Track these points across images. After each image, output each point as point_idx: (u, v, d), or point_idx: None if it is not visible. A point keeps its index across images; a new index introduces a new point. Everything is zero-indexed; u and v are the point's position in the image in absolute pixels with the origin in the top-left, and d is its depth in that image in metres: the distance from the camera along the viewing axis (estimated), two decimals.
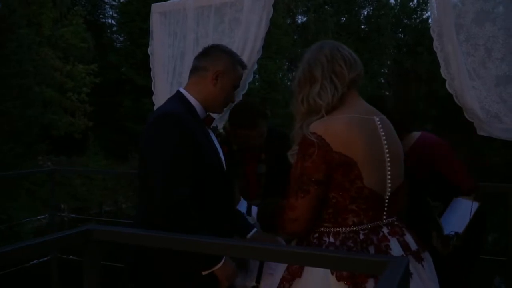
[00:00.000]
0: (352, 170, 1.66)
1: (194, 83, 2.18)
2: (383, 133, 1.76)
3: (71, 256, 4.08)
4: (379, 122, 1.78)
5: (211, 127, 2.31)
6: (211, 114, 2.25)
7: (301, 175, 1.67)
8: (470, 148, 23.14)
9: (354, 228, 1.71)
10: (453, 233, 2.39)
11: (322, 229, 1.75)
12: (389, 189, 1.76)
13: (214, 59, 2.16)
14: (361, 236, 1.70)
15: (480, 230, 2.61)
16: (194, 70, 2.21)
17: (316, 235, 1.75)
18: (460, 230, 2.43)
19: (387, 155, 1.75)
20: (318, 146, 1.64)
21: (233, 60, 2.19)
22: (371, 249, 1.68)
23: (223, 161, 2.18)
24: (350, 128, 1.69)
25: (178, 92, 2.19)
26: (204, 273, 1.95)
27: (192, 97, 2.14)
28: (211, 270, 1.94)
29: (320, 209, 1.72)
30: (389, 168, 1.75)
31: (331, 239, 1.71)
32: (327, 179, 1.67)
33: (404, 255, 1.71)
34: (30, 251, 1.30)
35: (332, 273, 1.62)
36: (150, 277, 2.03)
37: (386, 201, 1.76)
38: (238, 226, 2.30)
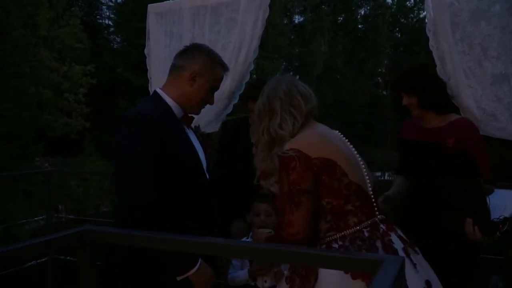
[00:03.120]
0: (335, 169, 1.76)
1: (171, 82, 2.14)
2: (348, 142, 1.94)
3: (68, 257, 4.07)
4: (340, 134, 1.96)
5: (194, 126, 2.28)
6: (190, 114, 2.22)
7: (290, 189, 1.73)
8: None
9: (358, 228, 1.77)
10: (501, 217, 2.21)
11: (328, 239, 1.79)
12: (370, 186, 1.87)
13: (192, 58, 2.12)
14: (366, 234, 1.75)
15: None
16: (172, 68, 2.17)
17: (324, 246, 1.79)
18: (507, 213, 2.26)
19: (357, 156, 1.92)
20: (298, 158, 1.73)
21: (212, 61, 2.15)
22: (379, 244, 1.73)
23: (202, 160, 2.14)
24: (321, 136, 1.86)
25: (155, 92, 2.15)
26: (178, 278, 1.91)
27: (168, 97, 2.10)
28: (186, 275, 1.90)
29: (315, 218, 1.77)
30: (363, 167, 1.90)
31: (340, 243, 1.75)
32: (314, 187, 1.74)
33: (404, 247, 1.77)
34: (27, 252, 1.30)
35: (347, 272, 1.63)
36: (126, 281, 2.02)
37: (372, 197, 1.86)
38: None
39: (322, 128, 1.93)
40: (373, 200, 1.86)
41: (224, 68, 2.21)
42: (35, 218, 7.62)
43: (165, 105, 2.09)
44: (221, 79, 2.21)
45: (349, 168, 1.78)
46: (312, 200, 1.74)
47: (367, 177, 1.88)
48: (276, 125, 1.89)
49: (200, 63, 2.10)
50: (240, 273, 2.41)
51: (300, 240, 1.73)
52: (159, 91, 2.14)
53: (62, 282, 4.17)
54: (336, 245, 1.75)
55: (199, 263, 1.91)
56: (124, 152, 1.93)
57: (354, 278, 1.62)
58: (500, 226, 2.18)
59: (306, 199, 1.72)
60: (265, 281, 2.35)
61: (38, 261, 4.17)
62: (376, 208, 1.86)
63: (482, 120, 2.59)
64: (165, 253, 1.83)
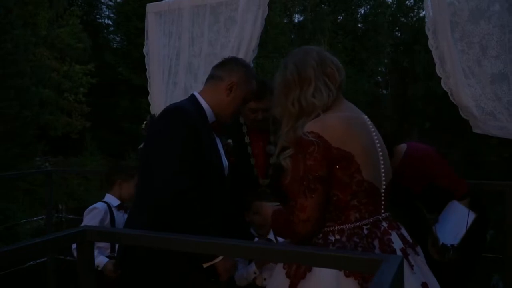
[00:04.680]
0: (351, 164, 1.69)
1: (209, 90, 2.25)
2: (372, 130, 1.83)
3: (68, 257, 4.07)
4: (368, 120, 1.85)
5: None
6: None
7: (305, 174, 1.67)
8: (468, 145, 23.17)
9: (357, 224, 1.72)
10: (449, 245, 2.42)
11: (326, 229, 1.75)
12: (384, 183, 1.80)
13: (231, 70, 2.23)
14: (365, 231, 1.71)
15: (478, 239, 2.64)
16: (210, 78, 2.28)
17: (320, 235, 1.75)
18: (456, 241, 2.46)
19: (379, 149, 1.81)
20: (317, 144, 1.67)
21: (249, 75, 2.26)
22: (376, 243, 1.70)
23: (225, 168, 2.22)
24: (346, 124, 1.74)
25: (192, 95, 2.26)
26: (205, 265, 1.98)
27: (204, 101, 2.20)
28: (213, 262, 1.98)
29: (325, 208, 1.72)
30: (382, 162, 1.80)
31: (337, 236, 1.72)
32: (329, 176, 1.69)
33: (404, 247, 1.74)
34: (26, 252, 1.30)
35: (340, 269, 1.62)
36: (149, 270, 2.04)
37: (382, 195, 1.79)
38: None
39: (350, 112, 1.82)
40: (383, 197, 1.80)
41: (257, 81, 2.33)
42: (35, 218, 7.61)
43: (201, 108, 2.19)
44: (254, 92, 2.32)
45: (366, 164, 1.71)
46: (326, 189, 1.68)
47: (383, 174, 1.80)
48: (310, 94, 1.79)
49: (238, 75, 2.22)
50: (249, 268, 2.38)
51: (309, 227, 1.69)
52: (196, 94, 2.24)
53: (61, 282, 4.17)
54: (332, 238, 1.72)
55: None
56: (164, 140, 2.00)
57: (347, 275, 1.61)
58: (450, 252, 2.38)
59: (321, 187, 1.66)
60: (265, 279, 2.35)
61: (38, 261, 4.16)
62: (383, 206, 1.81)
63: (481, 119, 2.59)
64: (200, 220, 1.93)
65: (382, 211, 1.80)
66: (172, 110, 2.09)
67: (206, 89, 2.27)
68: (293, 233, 1.75)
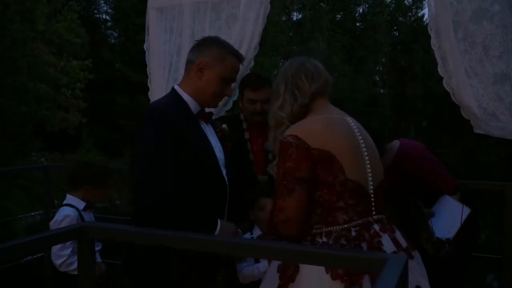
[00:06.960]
0: (333, 164, 1.70)
1: (185, 78, 2.14)
2: (357, 131, 1.84)
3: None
4: (351, 121, 1.87)
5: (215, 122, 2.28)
6: (210, 109, 2.23)
7: (284, 175, 1.70)
8: (467, 145, 23.26)
9: (345, 226, 1.71)
10: (444, 239, 2.43)
11: (313, 231, 1.75)
12: (371, 183, 1.79)
13: (200, 51, 2.10)
14: (353, 233, 1.70)
15: (471, 234, 2.66)
16: (186, 64, 2.17)
17: (309, 238, 1.75)
18: (451, 235, 2.47)
19: (364, 149, 1.81)
20: (296, 146, 1.70)
21: (222, 51, 2.09)
22: (364, 246, 1.68)
23: (219, 157, 2.12)
24: (324, 125, 1.78)
25: (172, 88, 2.16)
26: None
27: (185, 93, 2.09)
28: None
29: (310, 210, 1.73)
30: (368, 161, 1.80)
31: (324, 239, 1.72)
32: (311, 177, 1.70)
33: (396, 251, 1.72)
34: (25, 248, 1.29)
35: (327, 272, 1.61)
36: (147, 271, 2.02)
37: (372, 196, 1.78)
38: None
39: (331, 115, 1.85)
40: (373, 199, 1.79)
41: (239, 57, 2.15)
42: (32, 213, 7.58)
43: (181, 100, 2.08)
44: (234, 68, 2.13)
45: (349, 164, 1.72)
46: (307, 190, 1.69)
47: (370, 174, 1.79)
48: (277, 107, 1.90)
49: (207, 55, 2.07)
50: (260, 267, 2.32)
51: (290, 227, 1.68)
52: (176, 87, 2.13)
53: (59, 278, 4.15)
54: (319, 240, 1.72)
55: (219, 226, 1.93)
56: (140, 146, 1.93)
57: (334, 278, 1.60)
58: (446, 246, 2.38)
59: (299, 188, 1.67)
60: None
61: (34, 256, 4.14)
62: (373, 208, 1.79)
63: (483, 120, 2.59)
64: (184, 226, 1.77)
65: (373, 212, 1.78)
66: (146, 112, 1.99)
67: (184, 78, 2.15)
68: (276, 233, 1.75)
